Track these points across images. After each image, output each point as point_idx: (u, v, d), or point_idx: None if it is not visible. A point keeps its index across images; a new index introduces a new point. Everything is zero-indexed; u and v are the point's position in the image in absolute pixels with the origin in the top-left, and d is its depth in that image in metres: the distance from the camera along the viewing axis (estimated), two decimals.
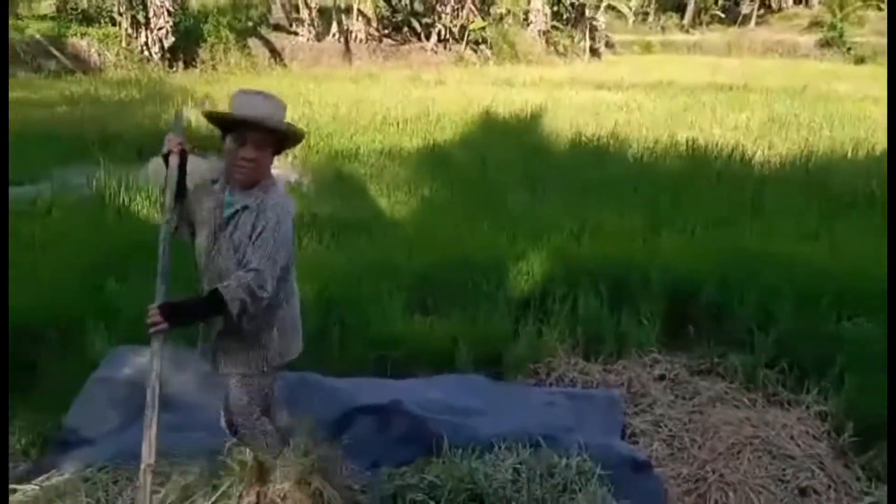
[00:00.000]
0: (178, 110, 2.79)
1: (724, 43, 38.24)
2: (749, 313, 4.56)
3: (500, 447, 3.14)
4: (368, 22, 25.08)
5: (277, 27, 24.03)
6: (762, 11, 44.61)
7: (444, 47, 26.52)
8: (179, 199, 2.70)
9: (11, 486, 3.11)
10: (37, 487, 3.09)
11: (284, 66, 22.03)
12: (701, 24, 44.22)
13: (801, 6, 45.16)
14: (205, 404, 3.35)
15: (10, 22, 17.77)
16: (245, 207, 2.58)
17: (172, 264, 2.61)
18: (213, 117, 2.65)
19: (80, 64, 18.09)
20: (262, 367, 2.76)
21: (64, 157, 8.43)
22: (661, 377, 4.18)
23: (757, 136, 10.58)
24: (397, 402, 3.55)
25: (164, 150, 2.69)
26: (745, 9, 43.87)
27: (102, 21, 19.61)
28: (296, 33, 24.03)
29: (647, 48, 37.55)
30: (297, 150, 9.56)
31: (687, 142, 9.79)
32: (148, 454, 2.36)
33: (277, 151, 2.66)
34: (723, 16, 44.46)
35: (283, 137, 2.64)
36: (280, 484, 2.70)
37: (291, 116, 2.77)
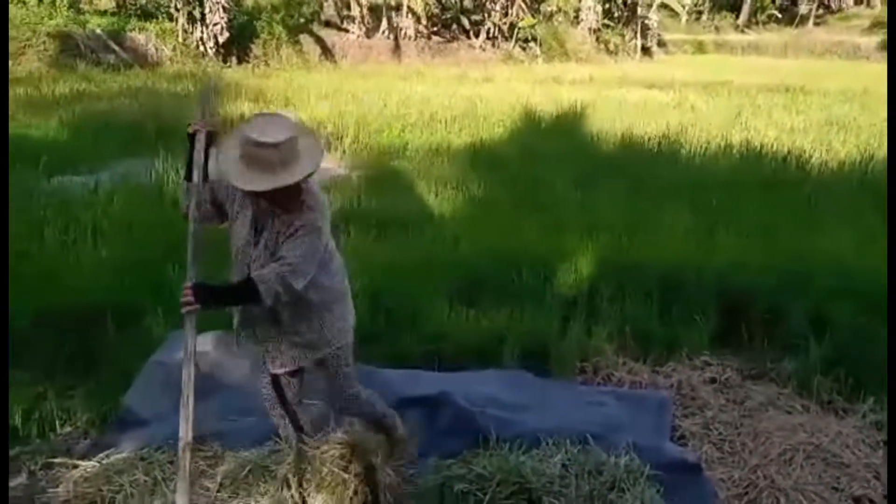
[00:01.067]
0: (210, 81, 2.78)
1: (781, 43, 37.30)
2: (804, 319, 4.46)
3: (547, 443, 3.15)
4: (418, 19, 25.19)
5: (328, 24, 24.30)
6: (821, 11, 43.38)
7: (493, 45, 26.47)
8: (204, 181, 2.65)
9: (73, 462, 3.25)
10: (96, 464, 3.20)
11: (334, 62, 22.27)
12: (757, 23, 43.21)
13: (861, 6, 43.78)
14: (257, 389, 3.42)
15: (73, 16, 18.38)
16: (278, 216, 2.57)
17: (204, 244, 2.63)
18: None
19: (138, 58, 18.58)
20: (315, 359, 2.81)
21: (123, 148, 8.66)
22: (712, 380, 4.12)
23: (814, 138, 10.30)
24: (445, 395, 3.58)
25: (190, 129, 2.65)
26: (802, 9, 42.71)
27: (160, 16, 20.10)
28: (346, 30, 24.27)
29: (701, 48, 36.85)
30: (347, 145, 9.68)
31: (741, 143, 9.59)
32: (186, 432, 2.39)
33: None
34: (779, 16, 43.37)
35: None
36: (332, 469, 2.76)
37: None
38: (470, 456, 3.11)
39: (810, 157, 9.03)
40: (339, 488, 2.76)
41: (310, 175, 2.48)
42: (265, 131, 2.41)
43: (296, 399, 3.01)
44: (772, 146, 9.43)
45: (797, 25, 42.08)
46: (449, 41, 26.17)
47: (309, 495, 2.85)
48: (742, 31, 41.76)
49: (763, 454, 3.40)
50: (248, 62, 20.42)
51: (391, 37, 24.38)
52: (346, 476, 2.76)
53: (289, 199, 2.51)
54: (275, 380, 2.94)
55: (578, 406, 3.63)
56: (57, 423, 3.60)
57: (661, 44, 34.36)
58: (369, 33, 24.28)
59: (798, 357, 4.25)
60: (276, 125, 2.46)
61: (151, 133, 9.16)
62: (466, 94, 14.35)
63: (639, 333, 4.41)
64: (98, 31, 18.49)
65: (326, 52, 22.62)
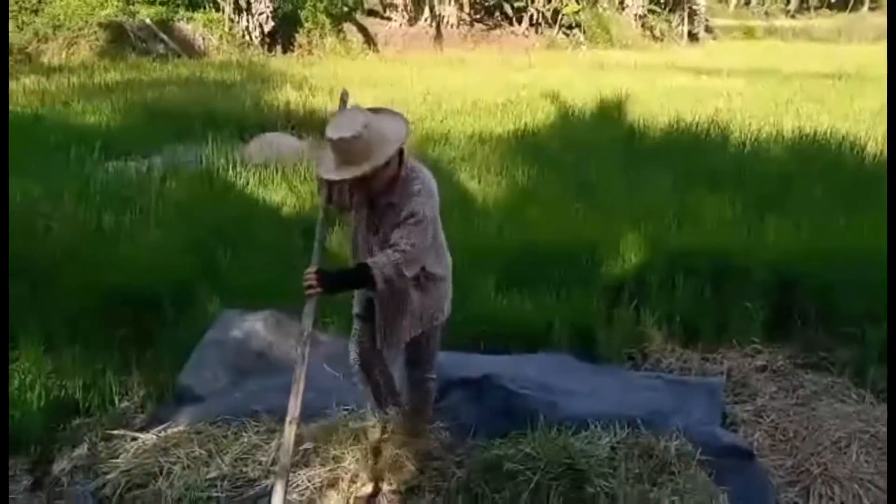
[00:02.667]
0: (344, 90, 2.89)
1: (834, 29, 36.14)
2: (858, 307, 4.36)
3: (595, 426, 3.14)
4: (460, 7, 25.09)
5: (371, 12, 24.37)
6: None
7: (536, 31, 26.22)
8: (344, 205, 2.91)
9: (132, 434, 3.36)
10: (154, 436, 3.31)
11: (377, 50, 22.35)
12: (808, 8, 41.95)
13: None
14: (311, 366, 3.48)
15: (123, 6, 18.78)
16: (390, 204, 2.69)
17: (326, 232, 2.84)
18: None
19: (186, 47, 18.91)
20: (420, 330, 2.91)
21: (172, 135, 8.84)
22: (763, 368, 4.06)
23: (869, 125, 9.98)
24: (492, 377, 3.59)
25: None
26: None
27: (207, 7, 20.41)
28: (389, 18, 24.32)
29: (750, 34, 35.91)
30: None
31: (793, 130, 9.35)
32: (293, 408, 2.48)
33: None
34: (832, 0, 42.03)
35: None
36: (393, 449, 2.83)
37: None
38: (517, 436, 3.13)
39: (865, 144, 8.76)
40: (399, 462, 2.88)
41: (376, 167, 2.57)
42: (339, 127, 2.58)
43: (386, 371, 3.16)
44: (825, 133, 9.16)
45: (850, 10, 40.72)
46: (491, 28, 26.01)
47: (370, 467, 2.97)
48: (793, 17, 40.58)
49: (816, 442, 3.34)
50: (292, 51, 20.63)
51: (433, 25, 24.34)
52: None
53: (386, 186, 2.67)
54: (366, 354, 3.07)
55: (626, 391, 3.61)
56: (115, 397, 3.73)
57: (708, 30, 33.59)
58: (412, 21, 24.28)
59: (852, 346, 4.16)
60: (349, 121, 2.60)
61: (200, 120, 9.32)
62: (509, 82, 14.27)
63: (688, 320, 4.36)
64: (147, 21, 18.87)
65: (369, 40, 22.71)
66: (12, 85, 11.70)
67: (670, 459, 2.87)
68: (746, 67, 17.93)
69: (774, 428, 3.50)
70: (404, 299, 2.79)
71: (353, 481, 3.00)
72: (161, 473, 3.01)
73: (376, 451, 3.12)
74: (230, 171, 6.89)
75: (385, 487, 3.00)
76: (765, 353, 4.20)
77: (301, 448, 3.00)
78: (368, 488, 2.99)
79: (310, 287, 2.59)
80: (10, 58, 15.38)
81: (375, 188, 2.68)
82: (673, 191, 6.60)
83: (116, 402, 3.70)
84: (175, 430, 3.33)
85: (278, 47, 20.48)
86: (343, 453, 3.10)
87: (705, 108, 10.86)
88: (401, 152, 2.68)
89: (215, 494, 2.91)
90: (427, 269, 2.78)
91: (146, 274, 4.45)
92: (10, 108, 9.71)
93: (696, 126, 9.53)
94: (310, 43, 21.14)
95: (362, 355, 3.08)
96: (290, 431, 2.46)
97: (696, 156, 7.96)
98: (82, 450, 3.33)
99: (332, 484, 3.00)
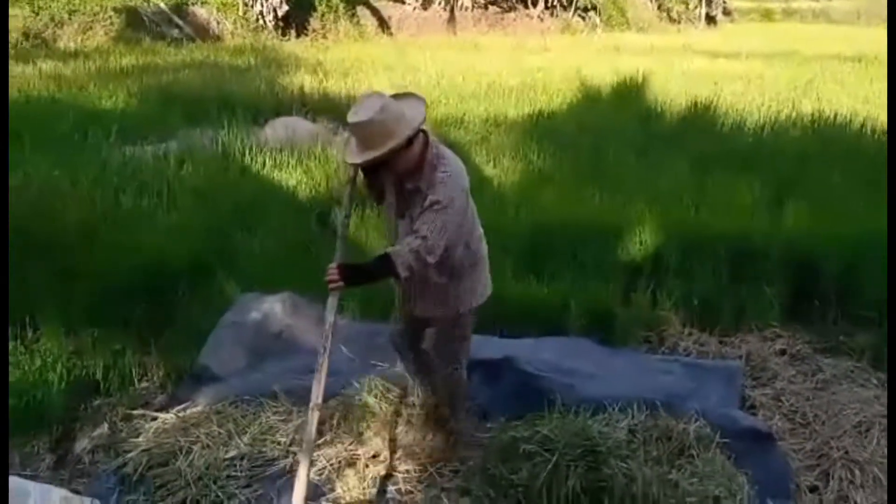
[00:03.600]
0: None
1: (853, 11, 35.53)
2: (879, 292, 4.30)
3: (613, 409, 3.13)
4: None
5: None
6: None
7: (551, 14, 25.93)
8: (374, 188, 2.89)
9: (151, 414, 3.39)
10: (174, 416, 3.34)
11: (391, 34, 22.21)
12: None
13: None
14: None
15: None
16: (417, 189, 2.68)
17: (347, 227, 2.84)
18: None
19: (200, 32, 18.85)
20: (453, 314, 2.90)
21: (188, 119, 8.85)
22: (782, 352, 4.03)
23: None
24: (509, 360, 3.59)
25: None
26: None
27: None
28: (402, 2, 24.14)
29: (768, 16, 35.40)
30: None
31: (812, 113, 9.22)
32: (316, 395, 2.51)
33: (414, 138, 2.65)
34: None
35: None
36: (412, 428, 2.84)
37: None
38: (534, 418, 3.13)
39: (885, 127, 8.63)
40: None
41: (394, 149, 2.57)
42: (357, 112, 2.60)
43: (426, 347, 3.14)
44: (845, 116, 9.03)
45: None
46: (506, 11, 25.76)
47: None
48: None
49: (836, 426, 3.32)
50: (306, 35, 20.53)
51: (447, 8, 24.14)
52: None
53: (409, 169, 2.68)
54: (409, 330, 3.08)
55: (644, 374, 3.60)
56: (135, 378, 3.76)
57: (726, 12, 33.10)
58: (425, 5, 24.09)
59: (873, 330, 4.12)
60: (367, 105, 2.61)
61: (215, 104, 9.31)
62: (524, 65, 14.15)
63: (706, 304, 4.33)
64: (161, 5, 18.85)
65: (383, 24, 22.57)
66: (28, 70, 11.74)
67: (689, 442, 2.86)
68: (765, 50, 17.68)
69: (794, 412, 3.49)
70: (427, 281, 2.77)
71: (370, 461, 3.03)
72: (181, 452, 3.05)
73: (394, 432, 3.14)
74: (246, 155, 6.90)
75: (402, 467, 3.01)
76: (784, 337, 4.17)
77: (320, 428, 3.01)
78: (386, 468, 3.01)
79: (332, 282, 2.62)
80: (27, 42, 15.45)
81: (401, 171, 2.69)
82: (690, 174, 6.54)
83: (136, 382, 3.74)
84: (194, 410, 3.37)
85: (292, 31, 20.38)
86: (361, 433, 3.11)
87: (723, 91, 10.73)
88: (426, 136, 2.69)
89: (235, 473, 2.94)
90: (455, 257, 2.76)
91: (165, 256, 4.48)
92: (27, 92, 9.78)
93: (714, 109, 9.42)
94: (323, 27, 21.02)
95: (400, 332, 3.12)
96: (313, 417, 2.48)
97: (714, 139, 7.89)
98: (103, 429, 3.38)
99: (351, 463, 3.02)
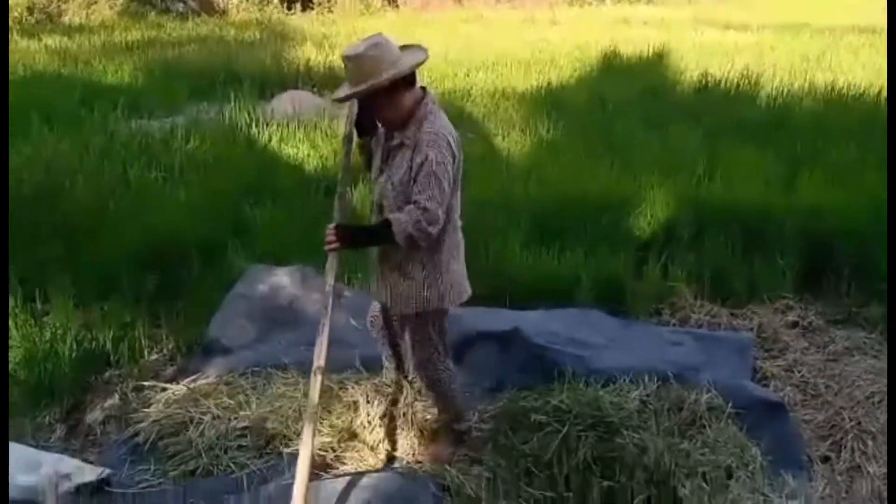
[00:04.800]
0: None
1: None
2: (888, 257, 4.26)
3: (625, 380, 3.12)
4: None
5: None
6: None
7: None
8: (364, 134, 2.77)
9: (162, 385, 3.40)
10: (184, 387, 3.35)
11: (397, 7, 21.97)
12: None
13: None
14: (335, 320, 3.48)
15: None
16: (401, 144, 2.58)
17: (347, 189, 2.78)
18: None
19: (205, 6, 18.69)
20: (424, 308, 2.68)
21: (194, 93, 8.80)
22: (794, 324, 4.00)
23: None
24: (518, 331, 3.56)
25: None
26: None
27: None
28: None
29: None
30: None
31: (826, 85, 9.08)
32: (319, 357, 2.48)
33: (407, 82, 2.55)
34: None
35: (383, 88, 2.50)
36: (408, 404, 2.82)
37: None
38: (545, 389, 3.12)
39: None
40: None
41: (377, 86, 2.47)
42: (351, 47, 2.54)
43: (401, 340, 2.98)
44: (859, 87, 8.89)
45: None
46: None
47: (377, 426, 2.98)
48: None
49: (848, 397, 3.31)
50: (311, 9, 20.32)
51: None
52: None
53: (394, 120, 2.58)
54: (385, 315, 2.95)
55: (655, 346, 3.57)
56: (145, 350, 3.77)
57: None
58: None
59: (885, 302, 4.07)
60: (365, 41, 2.54)
61: (221, 79, 9.25)
62: (532, 37, 13.97)
63: (718, 276, 4.30)
64: None
65: None
66: (33, 45, 11.69)
67: (701, 413, 2.85)
68: (776, 22, 17.39)
69: (805, 383, 3.47)
70: (403, 264, 2.63)
71: (377, 432, 3.02)
72: (192, 423, 3.05)
73: (396, 403, 3.12)
74: (253, 129, 6.86)
75: (407, 438, 3.00)
76: (796, 308, 4.14)
77: (324, 398, 3.00)
78: (393, 440, 3.00)
79: (329, 242, 2.59)
80: (31, 17, 15.37)
81: (386, 119, 2.60)
82: (702, 146, 6.46)
83: (146, 354, 3.74)
84: (204, 381, 3.37)
85: (297, 5, 20.18)
86: (365, 405, 3.11)
87: (734, 62, 10.57)
88: (424, 92, 2.61)
89: (245, 444, 2.94)
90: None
91: (174, 229, 4.47)
92: (32, 67, 9.73)
93: (726, 81, 9.29)
94: (329, 0, 20.82)
95: (377, 317, 2.99)
96: (316, 380, 2.46)
97: (726, 111, 7.77)
98: (114, 400, 3.38)
99: (357, 435, 3.01)
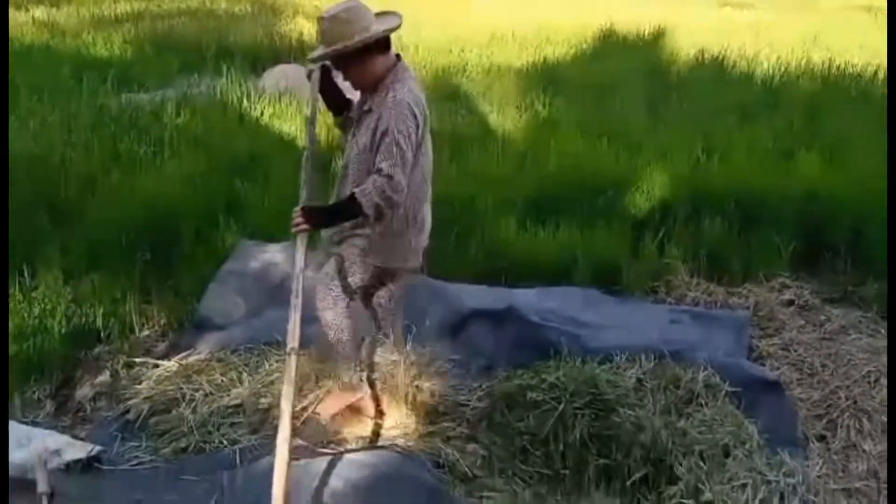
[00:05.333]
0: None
1: None
2: (888, 242, 4.24)
3: (621, 358, 3.09)
4: None
5: None
6: None
7: None
8: (339, 114, 2.83)
9: (153, 361, 3.36)
10: (176, 364, 3.31)
11: None
12: None
13: None
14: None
15: None
16: (369, 110, 2.60)
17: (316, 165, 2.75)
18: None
19: None
20: (363, 260, 2.75)
21: (185, 66, 8.65)
22: (790, 302, 3.99)
23: None
24: (513, 309, 3.54)
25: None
26: None
27: None
28: None
29: None
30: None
31: (822, 63, 9.03)
32: (292, 337, 2.44)
33: (379, 48, 2.57)
34: None
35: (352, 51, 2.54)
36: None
37: (399, 32, 2.68)
38: (540, 367, 3.10)
39: None
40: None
41: (346, 48, 2.50)
42: (327, 10, 2.58)
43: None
44: (857, 66, 8.85)
45: None
46: None
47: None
48: None
49: (845, 376, 3.31)
50: None
51: None
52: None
53: (364, 85, 2.63)
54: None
55: (652, 324, 3.56)
56: (136, 326, 3.72)
57: None
58: None
59: (881, 281, 4.06)
60: (339, 5, 2.57)
61: (212, 52, 9.10)
62: (528, 14, 13.81)
63: (714, 254, 4.28)
64: None
65: None
66: (22, 17, 11.47)
67: (698, 391, 2.83)
68: (773, 0, 17.27)
69: (801, 361, 3.46)
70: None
71: (371, 411, 2.99)
72: (183, 400, 3.02)
73: (392, 381, 3.08)
74: (245, 103, 6.76)
75: (402, 415, 2.97)
76: (792, 287, 4.13)
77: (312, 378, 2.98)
78: (386, 418, 2.97)
79: (297, 225, 2.57)
80: None
81: (357, 81, 2.63)
82: (699, 125, 6.41)
83: (137, 330, 3.69)
84: (196, 357, 3.33)
85: None
86: (356, 383, 3.07)
87: (733, 41, 10.48)
88: (398, 60, 2.63)
89: (238, 420, 2.91)
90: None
91: (164, 203, 4.40)
92: (21, 40, 9.55)
93: (723, 59, 9.22)
94: None
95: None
96: (290, 361, 2.41)
97: (723, 90, 7.71)
98: (105, 376, 3.34)
99: (352, 414, 2.98)
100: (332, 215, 2.72)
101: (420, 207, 2.75)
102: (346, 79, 2.66)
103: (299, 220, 2.56)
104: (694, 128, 6.36)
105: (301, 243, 2.57)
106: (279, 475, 2.19)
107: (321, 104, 2.82)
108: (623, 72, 8.64)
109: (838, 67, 8.78)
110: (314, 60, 2.69)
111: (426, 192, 2.77)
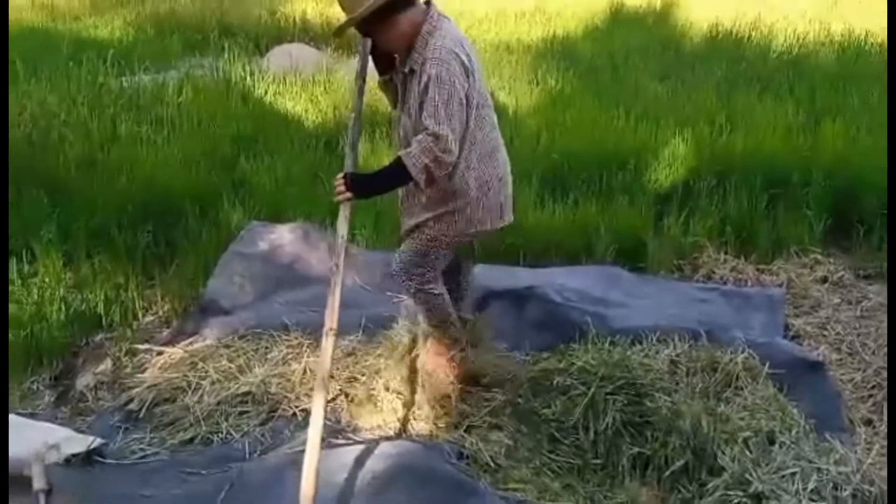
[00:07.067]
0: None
1: None
2: (888, 241, 4.05)
3: (652, 339, 2.91)
4: None
5: None
6: None
7: None
8: (385, 73, 2.61)
9: (157, 348, 3.20)
10: (181, 351, 3.15)
11: None
12: None
13: None
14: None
15: None
16: (411, 71, 2.42)
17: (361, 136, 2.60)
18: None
19: None
20: (445, 232, 2.55)
21: (187, 47, 8.49)
22: (824, 279, 3.81)
23: None
24: (534, 288, 3.36)
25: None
26: None
27: None
28: None
29: None
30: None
31: (842, 34, 8.76)
32: (330, 317, 2.29)
33: (404, 3, 2.38)
34: None
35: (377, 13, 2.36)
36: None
37: None
38: (565, 349, 2.93)
39: None
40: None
41: (372, 10, 2.32)
42: None
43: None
44: (877, 36, 8.58)
45: None
46: None
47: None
48: None
49: (887, 356, 3.10)
50: None
51: None
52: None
53: (400, 47, 2.42)
54: None
55: (679, 303, 3.38)
56: (139, 311, 3.57)
57: None
58: None
59: None
60: None
61: (214, 32, 8.94)
62: None
63: (741, 230, 4.09)
64: None
65: None
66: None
67: (737, 373, 2.64)
68: None
69: (840, 341, 3.29)
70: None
71: (393, 397, 2.83)
72: (189, 388, 2.88)
73: (413, 365, 2.92)
74: (248, 82, 6.59)
75: (425, 401, 2.81)
76: (825, 263, 3.94)
77: (337, 362, 2.81)
78: (408, 404, 2.81)
79: (339, 192, 2.39)
80: None
81: (389, 44, 2.44)
82: (718, 96, 6.19)
83: (140, 316, 3.56)
84: (202, 344, 3.18)
85: None
86: (380, 367, 2.91)
87: (748, 12, 10.21)
88: (427, 5, 2.43)
89: (247, 409, 2.76)
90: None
91: (167, 185, 4.24)
92: (20, 22, 9.36)
93: (738, 31, 8.97)
94: None
95: None
96: (328, 342, 2.26)
97: (741, 61, 7.49)
98: (106, 365, 3.20)
99: (372, 400, 2.82)
100: (378, 182, 2.54)
101: (496, 156, 2.59)
102: (378, 46, 2.48)
103: (341, 187, 2.37)
104: (713, 100, 6.14)
105: (344, 213, 2.40)
106: (310, 464, 2.07)
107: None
108: (636, 45, 8.41)
109: (859, 36, 8.52)
110: (338, 31, 2.56)
111: (495, 138, 2.61)
